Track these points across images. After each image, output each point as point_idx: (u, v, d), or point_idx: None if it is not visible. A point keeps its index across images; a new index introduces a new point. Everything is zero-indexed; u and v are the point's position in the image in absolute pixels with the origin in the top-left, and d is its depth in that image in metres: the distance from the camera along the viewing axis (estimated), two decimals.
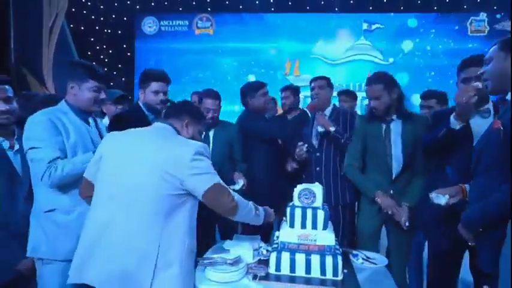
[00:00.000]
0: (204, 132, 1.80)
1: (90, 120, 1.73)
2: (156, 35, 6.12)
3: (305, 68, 5.98)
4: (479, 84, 1.51)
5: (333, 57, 6.03)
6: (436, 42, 5.79)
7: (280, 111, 3.84)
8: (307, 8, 5.99)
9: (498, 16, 5.63)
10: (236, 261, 1.50)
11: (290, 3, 6.00)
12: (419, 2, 5.78)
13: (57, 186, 1.53)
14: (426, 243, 2.11)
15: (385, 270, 1.60)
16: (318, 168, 2.32)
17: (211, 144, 2.36)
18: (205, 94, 2.39)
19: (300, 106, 3.76)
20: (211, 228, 2.47)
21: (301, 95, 3.63)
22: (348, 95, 3.49)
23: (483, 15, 5.63)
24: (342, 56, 6.02)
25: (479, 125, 1.55)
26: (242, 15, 6.08)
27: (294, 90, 3.50)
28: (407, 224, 1.87)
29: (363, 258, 1.68)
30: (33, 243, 1.56)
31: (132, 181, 1.30)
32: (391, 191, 1.95)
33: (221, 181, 1.36)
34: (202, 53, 6.09)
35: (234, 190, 1.43)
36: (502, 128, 1.25)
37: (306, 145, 2.32)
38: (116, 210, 1.30)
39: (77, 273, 1.30)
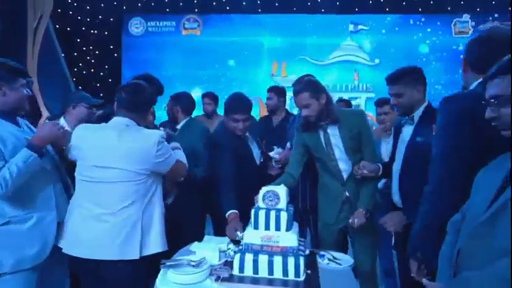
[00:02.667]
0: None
1: (20, 121, 1.69)
2: (143, 35, 6.10)
3: (292, 69, 6.00)
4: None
5: (320, 58, 6.06)
6: (421, 42, 5.84)
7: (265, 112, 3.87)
8: (294, 9, 6.01)
9: (481, 18, 5.71)
10: (200, 263, 1.51)
11: (277, 4, 6.02)
12: (404, 3, 5.83)
13: (5, 197, 1.50)
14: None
15: (349, 270, 1.62)
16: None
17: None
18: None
19: (287, 107, 3.78)
20: (202, 220, 2.54)
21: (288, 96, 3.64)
22: (276, 91, 3.38)
23: (466, 17, 5.69)
24: (328, 56, 6.06)
25: (408, 132, 1.83)
26: (230, 16, 6.09)
27: (279, 91, 3.52)
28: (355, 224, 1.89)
29: (329, 259, 1.70)
30: None
31: (103, 175, 1.54)
32: (347, 193, 1.97)
33: (177, 156, 1.72)
34: (190, 53, 6.08)
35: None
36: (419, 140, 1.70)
37: (279, 151, 2.33)
38: (93, 203, 1.55)
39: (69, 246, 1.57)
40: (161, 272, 1.51)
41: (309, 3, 6.01)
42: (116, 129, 1.59)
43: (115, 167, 1.53)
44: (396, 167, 1.87)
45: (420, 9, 5.80)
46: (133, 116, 1.64)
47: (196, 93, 4.42)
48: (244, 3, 6.02)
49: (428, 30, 5.82)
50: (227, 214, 1.90)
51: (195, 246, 1.71)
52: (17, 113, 1.66)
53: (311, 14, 5.96)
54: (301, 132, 2.05)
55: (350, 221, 1.88)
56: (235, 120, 2.07)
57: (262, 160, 2.36)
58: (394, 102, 1.82)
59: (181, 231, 2.33)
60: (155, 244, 1.58)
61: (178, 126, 2.65)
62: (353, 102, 6.02)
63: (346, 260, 1.71)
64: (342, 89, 6.03)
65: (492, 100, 0.98)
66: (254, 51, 6.08)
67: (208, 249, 1.65)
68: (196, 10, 6.08)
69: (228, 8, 6.05)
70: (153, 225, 1.59)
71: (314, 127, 1.98)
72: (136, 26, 6.08)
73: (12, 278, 1.54)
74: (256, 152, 2.30)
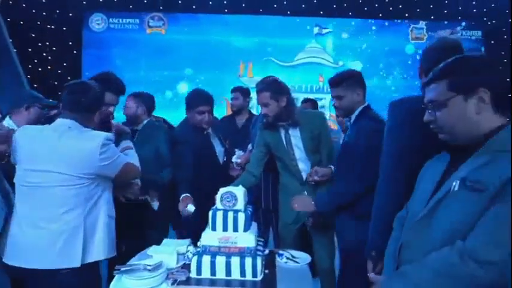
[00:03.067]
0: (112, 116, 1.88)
1: None
2: (105, 32, 5.87)
3: (259, 70, 6.04)
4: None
5: (286, 59, 6.15)
6: (380, 46, 6.10)
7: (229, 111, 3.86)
8: (260, 10, 6.06)
9: (435, 25, 6.08)
10: (156, 267, 1.48)
11: (244, 4, 6.03)
12: (365, 8, 6.06)
13: None
14: None
15: (306, 268, 1.66)
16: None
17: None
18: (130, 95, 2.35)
19: (250, 108, 3.80)
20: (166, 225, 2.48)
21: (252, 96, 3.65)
22: (242, 92, 3.44)
23: (422, 24, 6.03)
24: (294, 58, 6.16)
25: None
26: (196, 15, 6.02)
27: (244, 92, 3.53)
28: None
29: (287, 258, 1.73)
30: None
31: (41, 179, 1.46)
32: (305, 192, 2.03)
33: (128, 157, 1.68)
34: (154, 53, 5.94)
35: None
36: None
37: (240, 155, 2.33)
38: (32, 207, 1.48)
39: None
40: (115, 277, 1.47)
41: (275, 5, 6.08)
42: (57, 131, 1.51)
43: (53, 171, 1.45)
44: None
45: (381, 15, 6.06)
46: (77, 117, 1.55)
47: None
48: (210, 2, 5.98)
49: (388, 34, 6.10)
50: (181, 197, 1.98)
51: (152, 250, 1.68)
52: None
53: (277, 16, 6.04)
54: (263, 130, 2.08)
55: (306, 221, 1.94)
56: (200, 112, 2.11)
57: (225, 159, 2.36)
58: (336, 104, 1.90)
59: (145, 236, 2.27)
60: (99, 251, 1.51)
61: (139, 127, 2.55)
62: (318, 103, 6.22)
63: (304, 258, 1.75)
64: (307, 90, 6.15)
65: (429, 104, 1.04)
66: (221, 52, 6.05)
67: (166, 252, 1.63)
68: (161, 8, 5.95)
69: (194, 7, 5.97)
70: (97, 231, 1.52)
71: (275, 126, 2.01)
72: (97, 22, 5.84)
73: None
74: (219, 150, 2.31)
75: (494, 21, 5.97)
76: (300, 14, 6.07)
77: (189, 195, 2.00)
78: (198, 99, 2.15)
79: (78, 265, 1.44)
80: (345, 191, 1.77)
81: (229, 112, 3.83)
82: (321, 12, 6.12)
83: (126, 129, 2.01)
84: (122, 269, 1.47)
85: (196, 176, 2.11)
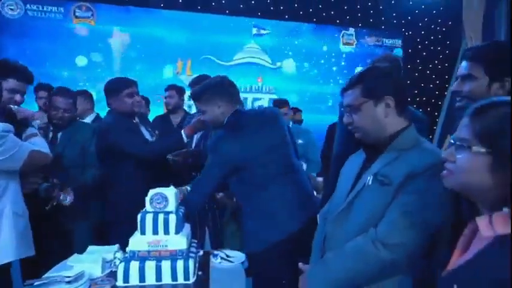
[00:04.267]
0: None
1: None
2: (21, 20, 5.25)
3: (197, 68, 5.92)
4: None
5: (225, 59, 6.13)
6: (315, 49, 6.41)
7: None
8: (198, 7, 5.95)
9: (364, 32, 6.59)
10: (77, 278, 1.36)
11: (180, 0, 5.87)
12: (301, 12, 6.31)
13: None
14: None
15: (240, 267, 1.66)
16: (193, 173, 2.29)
17: (59, 147, 2.15)
18: (56, 92, 2.13)
19: (184, 107, 3.71)
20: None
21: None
22: (177, 90, 3.42)
23: (352, 30, 6.48)
24: (233, 57, 6.17)
25: None
26: (128, 8, 5.68)
27: (179, 90, 3.43)
28: None
29: (221, 258, 1.72)
30: None
31: None
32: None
33: (33, 145, 1.57)
34: (81, 45, 5.48)
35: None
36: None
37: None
38: None
39: None
40: None
41: (213, 3, 6.03)
42: None
43: None
44: None
45: (314, 20, 6.36)
46: None
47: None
48: None
49: (321, 38, 6.44)
50: None
51: (73, 259, 1.54)
52: None
53: (215, 14, 5.99)
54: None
55: None
56: (130, 95, 2.05)
57: None
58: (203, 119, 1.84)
59: (71, 241, 2.11)
60: (5, 253, 1.39)
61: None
62: (256, 103, 6.32)
63: (238, 257, 1.75)
64: (246, 90, 6.21)
65: (347, 108, 1.14)
66: (157, 48, 5.81)
67: (89, 261, 1.50)
68: None
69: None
70: (1, 231, 1.38)
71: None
72: (11, 7, 5.19)
73: None
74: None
75: (410, 32, 6.68)
76: (238, 14, 6.10)
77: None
78: (125, 82, 2.07)
79: None
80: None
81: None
82: (259, 13, 6.22)
83: (30, 114, 1.81)
84: (36, 283, 1.31)
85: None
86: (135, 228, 1.51)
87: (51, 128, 2.20)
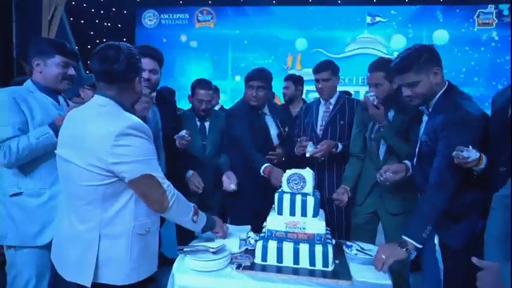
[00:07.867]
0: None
1: (61, 99, 1.64)
2: (157, 28, 6.06)
3: (307, 62, 5.86)
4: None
5: (336, 51, 5.91)
6: (442, 34, 5.63)
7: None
8: (310, 0, 5.87)
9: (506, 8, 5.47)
10: (219, 250, 1.41)
11: None
12: None
13: (19, 167, 1.46)
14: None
15: None
16: (322, 159, 2.19)
17: (207, 135, 2.33)
18: (198, 84, 2.30)
19: (303, 97, 3.67)
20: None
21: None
22: (294, 80, 3.37)
23: (491, 8, 5.45)
24: (344, 49, 5.90)
25: (424, 120, 1.61)
26: (244, 8, 5.99)
27: (296, 80, 3.41)
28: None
29: (357, 249, 1.57)
30: (1, 230, 1.49)
31: (68, 171, 1.20)
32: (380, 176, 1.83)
33: (152, 170, 1.15)
34: (203, 46, 6.01)
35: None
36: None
37: (307, 140, 2.17)
38: (64, 199, 1.27)
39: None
40: (178, 257, 1.41)
41: None
42: (89, 110, 1.22)
43: (73, 162, 1.18)
44: None
45: (441, 0, 5.59)
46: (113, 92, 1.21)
47: None
48: None
49: (450, 21, 5.60)
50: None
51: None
52: (57, 91, 1.60)
53: (327, 6, 5.82)
54: (362, 111, 1.99)
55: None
56: (249, 87, 2.15)
57: (278, 143, 2.28)
58: (408, 93, 1.56)
59: None
60: (115, 274, 1.18)
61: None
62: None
63: (375, 250, 1.58)
64: (358, 82, 5.87)
65: None
66: (268, 44, 5.97)
67: (229, 236, 1.54)
68: (210, 2, 6.00)
69: (242, 0, 5.95)
70: (114, 249, 1.18)
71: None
72: (149, 19, 6.03)
73: (21, 253, 1.48)
74: (273, 132, 2.28)
75: None
76: (351, 3, 5.79)
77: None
78: (250, 73, 2.21)
79: (88, 285, 1.15)
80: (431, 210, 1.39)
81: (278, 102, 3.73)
82: (374, 1, 5.79)
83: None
84: (185, 249, 1.41)
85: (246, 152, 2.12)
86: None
87: (197, 118, 2.37)
